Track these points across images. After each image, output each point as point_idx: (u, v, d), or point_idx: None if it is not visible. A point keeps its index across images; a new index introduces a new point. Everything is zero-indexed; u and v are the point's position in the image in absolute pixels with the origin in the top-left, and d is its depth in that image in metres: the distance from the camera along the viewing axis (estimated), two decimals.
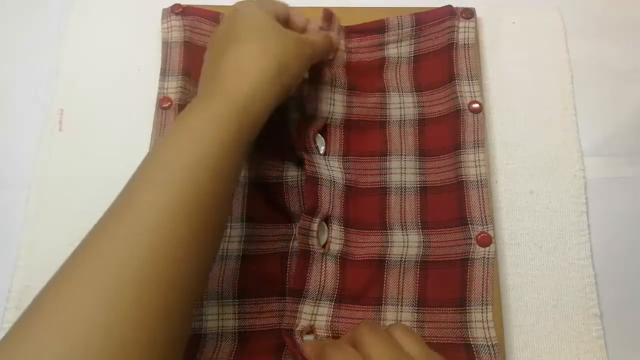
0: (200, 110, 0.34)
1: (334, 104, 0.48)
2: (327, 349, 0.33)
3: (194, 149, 0.32)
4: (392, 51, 0.51)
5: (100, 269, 0.27)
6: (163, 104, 0.47)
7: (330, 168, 0.46)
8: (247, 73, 0.35)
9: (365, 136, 0.48)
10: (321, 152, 0.47)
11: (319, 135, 0.48)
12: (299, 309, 0.42)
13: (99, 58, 0.52)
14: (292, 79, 0.39)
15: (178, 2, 0.51)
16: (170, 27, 0.50)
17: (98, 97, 0.51)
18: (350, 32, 0.52)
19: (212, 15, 0.51)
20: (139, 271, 0.28)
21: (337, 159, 0.47)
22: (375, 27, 0.52)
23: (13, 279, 0.45)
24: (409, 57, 0.51)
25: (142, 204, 0.30)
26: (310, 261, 0.43)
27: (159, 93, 0.48)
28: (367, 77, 0.51)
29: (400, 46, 0.51)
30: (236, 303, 0.43)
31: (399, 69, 0.51)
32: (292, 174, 0.46)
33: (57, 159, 0.48)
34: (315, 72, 0.48)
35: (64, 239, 0.45)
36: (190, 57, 0.49)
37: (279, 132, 0.49)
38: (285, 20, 0.43)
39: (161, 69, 0.49)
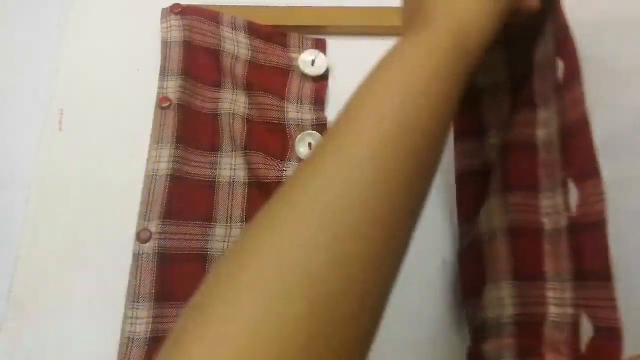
0: (412, 44, 0.31)
1: None
2: None
3: (405, 79, 0.29)
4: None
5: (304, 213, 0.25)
6: (162, 104, 0.47)
7: None
8: (449, 8, 0.32)
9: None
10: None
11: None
12: None
13: (99, 58, 0.52)
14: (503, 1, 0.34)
15: (178, 2, 0.51)
16: (170, 27, 0.50)
17: (98, 97, 0.51)
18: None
19: (212, 15, 0.51)
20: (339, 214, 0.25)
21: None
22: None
23: (13, 279, 0.44)
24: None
25: (352, 141, 0.27)
26: None
27: (158, 93, 0.48)
28: None
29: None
30: None
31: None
32: (292, 173, 0.46)
33: (57, 159, 0.48)
34: None
35: (64, 239, 0.46)
36: (190, 57, 0.49)
37: (278, 133, 0.49)
38: None
39: (161, 69, 0.49)
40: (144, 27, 0.52)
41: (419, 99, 0.28)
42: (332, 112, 0.51)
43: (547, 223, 0.39)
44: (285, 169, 0.47)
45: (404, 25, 0.36)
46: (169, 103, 0.47)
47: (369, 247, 0.25)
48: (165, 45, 0.50)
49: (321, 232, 0.24)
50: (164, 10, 0.51)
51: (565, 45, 0.39)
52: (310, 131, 0.48)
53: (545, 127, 0.40)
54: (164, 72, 0.49)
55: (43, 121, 0.50)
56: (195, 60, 0.49)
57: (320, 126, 0.49)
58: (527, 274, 0.39)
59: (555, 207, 0.39)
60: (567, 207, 0.38)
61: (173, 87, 0.48)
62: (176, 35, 0.50)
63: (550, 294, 0.39)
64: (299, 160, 0.48)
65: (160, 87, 0.48)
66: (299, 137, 0.48)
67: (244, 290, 0.23)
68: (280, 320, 0.22)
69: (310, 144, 0.48)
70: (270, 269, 0.23)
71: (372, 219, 0.25)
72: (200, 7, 0.51)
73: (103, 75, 0.51)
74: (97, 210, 0.47)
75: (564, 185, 0.39)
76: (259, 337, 0.22)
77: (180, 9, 0.50)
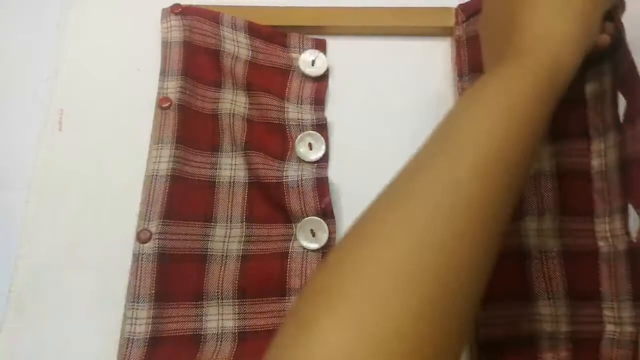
0: (511, 72, 0.33)
1: None
2: None
3: (505, 103, 0.31)
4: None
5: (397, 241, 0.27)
6: (163, 104, 0.47)
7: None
8: (546, 39, 0.34)
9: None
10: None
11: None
12: None
13: (99, 58, 0.52)
14: (594, 30, 0.36)
15: (178, 2, 0.51)
16: (170, 27, 0.50)
17: (98, 97, 0.51)
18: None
19: (212, 15, 0.51)
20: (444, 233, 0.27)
21: None
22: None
23: (13, 279, 0.45)
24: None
25: (454, 155, 0.30)
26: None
27: (158, 93, 0.48)
28: None
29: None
30: (236, 303, 0.43)
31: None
32: (292, 174, 0.46)
33: (57, 159, 0.48)
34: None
35: (64, 239, 0.46)
36: (190, 57, 0.49)
37: (278, 133, 0.49)
38: None
39: (161, 69, 0.49)
40: (144, 27, 0.52)
41: (516, 122, 0.31)
42: (332, 112, 0.51)
43: (603, 246, 0.42)
44: (285, 169, 0.47)
45: (489, 52, 0.38)
46: (169, 103, 0.47)
47: (474, 248, 0.27)
48: (166, 45, 0.50)
49: (431, 233, 0.27)
50: (164, 10, 0.51)
51: (630, 84, 0.41)
52: (310, 131, 0.48)
53: (599, 157, 0.44)
54: (164, 72, 0.49)
55: (43, 121, 0.50)
56: (196, 60, 0.49)
57: (320, 126, 0.49)
58: (583, 293, 0.42)
59: (612, 231, 0.42)
60: (626, 231, 0.41)
61: (173, 87, 0.48)
62: (176, 35, 0.50)
63: (607, 313, 0.41)
64: (299, 160, 0.48)
65: (161, 87, 0.48)
66: (299, 137, 0.48)
67: (361, 284, 0.25)
68: (396, 311, 0.25)
69: (310, 144, 0.48)
70: (384, 269, 0.26)
71: (475, 224, 0.28)
72: (201, 7, 0.51)
73: (103, 75, 0.52)
74: (96, 210, 0.47)
75: (624, 211, 0.41)
76: (378, 326, 0.24)
77: (180, 9, 0.50)
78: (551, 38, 0.34)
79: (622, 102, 0.42)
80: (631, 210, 0.41)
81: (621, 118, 0.42)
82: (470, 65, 0.49)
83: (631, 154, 0.41)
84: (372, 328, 0.24)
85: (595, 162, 0.44)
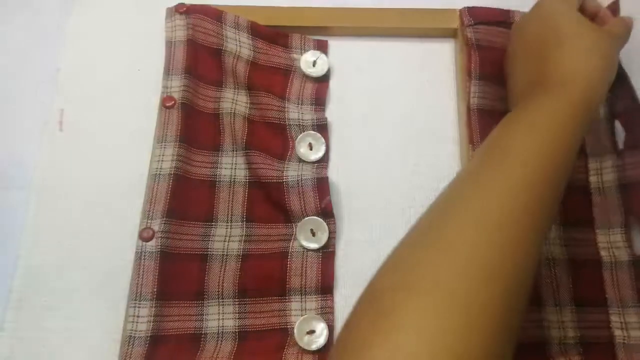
0: (552, 97, 0.38)
1: None
2: None
3: (548, 124, 0.36)
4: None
5: (447, 261, 0.30)
6: (166, 103, 0.47)
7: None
8: (580, 73, 0.39)
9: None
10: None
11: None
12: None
13: (99, 58, 0.52)
14: (615, 65, 0.42)
15: (182, 1, 0.51)
16: (174, 26, 0.50)
17: (98, 97, 0.51)
18: None
19: (215, 14, 0.51)
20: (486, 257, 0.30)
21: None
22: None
23: (13, 279, 0.44)
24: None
25: (490, 182, 0.33)
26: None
27: (162, 92, 0.48)
28: None
29: None
30: (236, 303, 0.43)
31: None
32: (292, 174, 0.46)
33: (57, 159, 0.48)
34: None
35: (64, 239, 0.46)
36: (193, 56, 0.49)
37: (279, 133, 0.49)
38: (580, 7, 0.45)
39: (164, 68, 0.49)
40: (144, 27, 0.53)
41: (559, 140, 0.35)
42: (332, 112, 0.51)
43: (605, 256, 0.45)
44: (285, 168, 0.47)
45: (523, 83, 0.43)
46: (172, 102, 0.47)
47: (531, 254, 0.31)
48: (170, 44, 0.50)
49: (489, 235, 0.30)
50: (168, 9, 0.51)
51: (633, 116, 0.46)
52: (310, 131, 0.49)
53: (597, 174, 0.47)
54: (167, 72, 0.49)
55: (43, 121, 0.50)
56: (199, 59, 0.49)
57: (321, 126, 0.49)
58: (589, 300, 0.44)
59: (613, 243, 0.45)
60: (630, 244, 0.45)
61: (177, 86, 0.48)
62: (180, 34, 0.50)
63: (613, 319, 0.43)
64: (299, 160, 0.48)
65: (164, 87, 0.48)
66: (299, 137, 0.48)
67: (433, 280, 0.29)
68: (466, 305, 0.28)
69: (310, 144, 0.48)
70: (452, 268, 0.29)
71: (523, 230, 0.32)
72: (204, 5, 0.51)
73: (103, 76, 0.52)
74: (97, 210, 0.47)
75: (625, 225, 0.45)
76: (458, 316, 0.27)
77: (185, 8, 0.51)
78: (585, 70, 0.39)
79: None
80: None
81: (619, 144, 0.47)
82: (480, 71, 0.49)
83: (630, 177, 0.46)
84: (448, 318, 0.27)
85: (593, 179, 0.47)
